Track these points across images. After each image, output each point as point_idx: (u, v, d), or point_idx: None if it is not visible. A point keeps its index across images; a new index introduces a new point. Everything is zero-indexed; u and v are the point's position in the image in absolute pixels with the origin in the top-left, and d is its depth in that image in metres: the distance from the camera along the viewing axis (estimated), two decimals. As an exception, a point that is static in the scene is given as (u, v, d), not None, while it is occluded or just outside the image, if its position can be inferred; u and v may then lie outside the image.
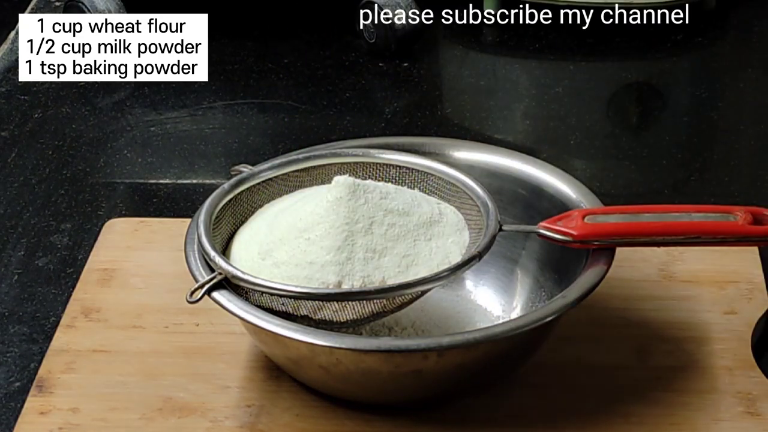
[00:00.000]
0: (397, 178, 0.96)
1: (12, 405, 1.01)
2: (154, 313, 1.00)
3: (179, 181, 1.44)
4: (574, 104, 1.71)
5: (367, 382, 0.87)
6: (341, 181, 0.89)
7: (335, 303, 0.85)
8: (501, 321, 0.97)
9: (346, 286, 0.86)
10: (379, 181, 0.95)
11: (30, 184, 1.41)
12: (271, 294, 0.85)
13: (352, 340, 0.85)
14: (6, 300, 1.17)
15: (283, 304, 0.86)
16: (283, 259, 0.87)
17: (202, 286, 0.86)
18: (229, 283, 0.87)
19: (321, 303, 0.85)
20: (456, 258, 0.89)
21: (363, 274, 0.87)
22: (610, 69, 1.88)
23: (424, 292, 0.88)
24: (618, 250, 0.91)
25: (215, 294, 0.86)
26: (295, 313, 0.86)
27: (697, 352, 0.96)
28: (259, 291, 0.86)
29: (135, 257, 1.07)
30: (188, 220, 0.94)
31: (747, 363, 0.95)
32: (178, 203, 1.38)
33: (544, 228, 0.91)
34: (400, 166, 0.96)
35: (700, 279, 1.03)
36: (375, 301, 0.86)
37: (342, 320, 0.86)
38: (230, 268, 0.86)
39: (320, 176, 0.97)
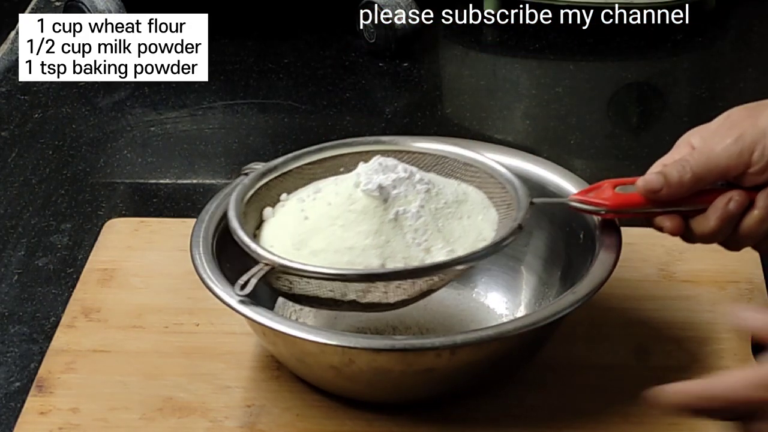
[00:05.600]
0: (412, 164, 0.95)
1: (12, 405, 1.01)
2: (154, 313, 1.00)
3: (179, 181, 1.44)
4: (574, 104, 1.71)
5: (378, 382, 0.87)
6: (368, 167, 0.89)
7: (384, 284, 0.84)
8: (506, 319, 0.97)
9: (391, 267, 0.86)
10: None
11: (30, 184, 1.41)
12: (327, 279, 0.84)
13: (366, 340, 0.85)
14: (6, 300, 1.17)
15: (331, 290, 0.85)
16: (320, 246, 0.87)
17: (249, 279, 0.85)
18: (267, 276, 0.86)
19: (371, 285, 0.84)
20: (489, 234, 0.89)
21: (404, 255, 0.86)
22: (610, 69, 1.88)
23: (469, 268, 0.88)
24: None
25: (224, 296, 0.86)
26: (342, 299, 0.85)
27: (697, 352, 0.96)
28: (313, 278, 0.84)
29: (135, 257, 1.07)
30: (188, 220, 0.94)
31: (747, 363, 0.95)
32: (178, 203, 1.38)
33: (575, 200, 0.91)
34: (412, 152, 0.96)
35: (700, 279, 1.03)
36: (424, 279, 0.85)
37: (390, 302, 0.86)
38: (278, 259, 0.85)
39: (333, 168, 0.96)
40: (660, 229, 0.88)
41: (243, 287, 0.84)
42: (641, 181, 0.87)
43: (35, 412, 0.91)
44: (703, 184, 0.85)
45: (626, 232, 0.93)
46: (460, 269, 0.87)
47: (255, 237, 0.91)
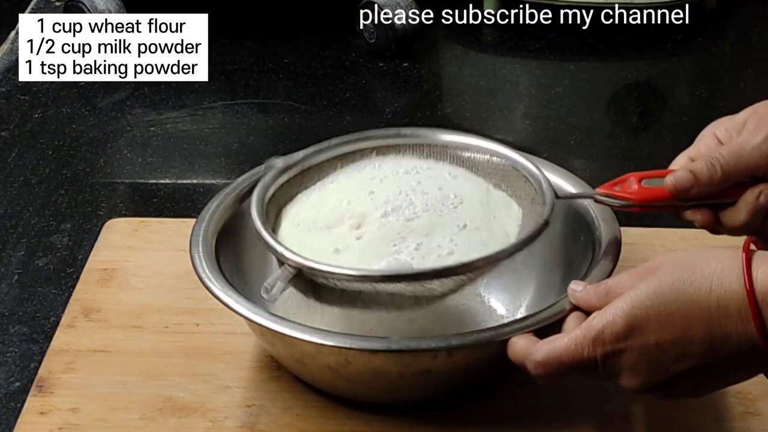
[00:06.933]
0: (433, 157, 0.94)
1: (12, 405, 1.01)
2: (154, 313, 1.00)
3: (179, 181, 1.44)
4: (574, 104, 1.72)
5: (376, 383, 0.87)
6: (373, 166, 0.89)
7: (412, 285, 0.84)
8: (506, 320, 0.97)
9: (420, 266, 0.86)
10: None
11: (30, 184, 1.42)
12: (355, 281, 0.83)
13: (362, 341, 0.85)
14: (6, 300, 1.18)
15: (359, 291, 0.84)
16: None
17: (276, 282, 0.84)
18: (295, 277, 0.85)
19: (398, 285, 0.84)
20: (513, 230, 0.89)
21: (432, 255, 0.86)
22: (610, 69, 1.88)
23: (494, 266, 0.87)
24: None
25: (222, 296, 0.86)
26: (369, 300, 0.85)
27: (697, 352, 0.96)
28: (341, 279, 0.84)
29: (135, 257, 1.07)
30: (188, 220, 0.94)
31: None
32: (178, 203, 1.38)
33: (601, 194, 0.90)
34: (434, 144, 0.95)
35: (700, 279, 1.03)
36: (452, 278, 0.85)
37: (418, 299, 0.85)
38: (305, 261, 0.84)
39: (351, 162, 0.95)
40: (690, 222, 0.89)
41: (269, 290, 0.84)
42: (671, 179, 0.87)
43: (35, 412, 0.91)
44: (732, 181, 0.86)
45: (626, 232, 0.93)
46: (487, 268, 0.86)
47: (274, 234, 0.90)
